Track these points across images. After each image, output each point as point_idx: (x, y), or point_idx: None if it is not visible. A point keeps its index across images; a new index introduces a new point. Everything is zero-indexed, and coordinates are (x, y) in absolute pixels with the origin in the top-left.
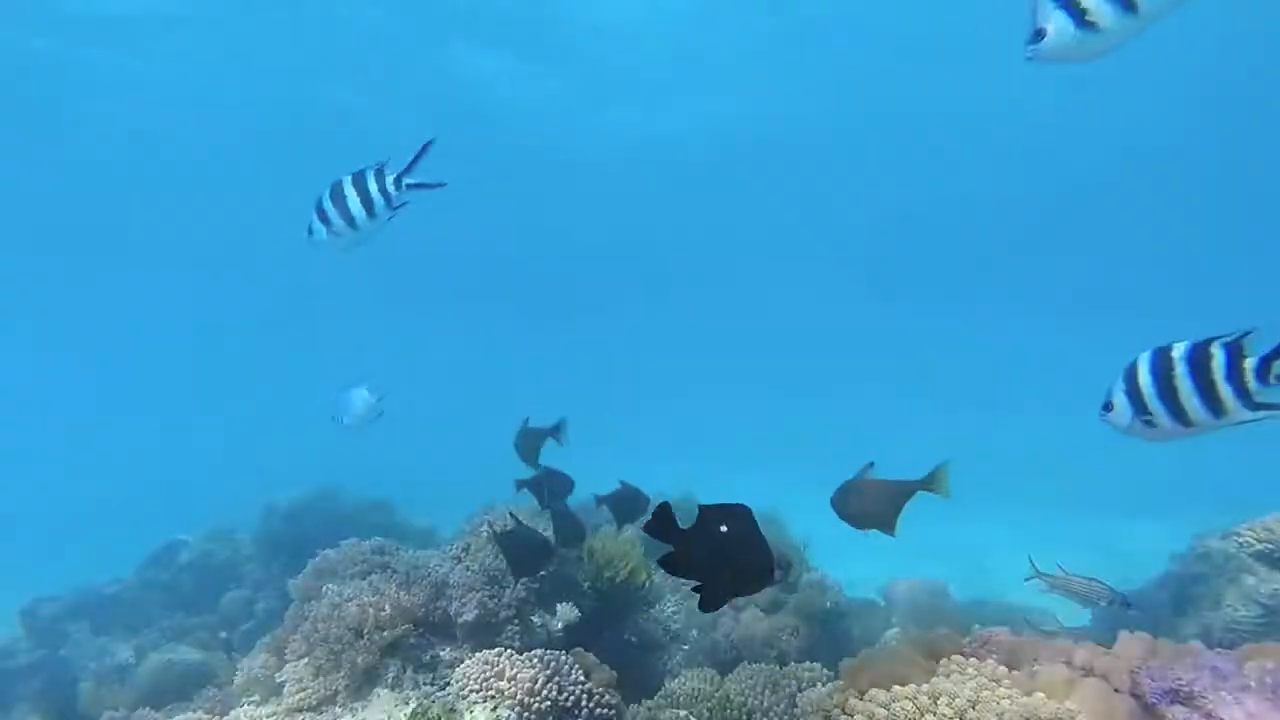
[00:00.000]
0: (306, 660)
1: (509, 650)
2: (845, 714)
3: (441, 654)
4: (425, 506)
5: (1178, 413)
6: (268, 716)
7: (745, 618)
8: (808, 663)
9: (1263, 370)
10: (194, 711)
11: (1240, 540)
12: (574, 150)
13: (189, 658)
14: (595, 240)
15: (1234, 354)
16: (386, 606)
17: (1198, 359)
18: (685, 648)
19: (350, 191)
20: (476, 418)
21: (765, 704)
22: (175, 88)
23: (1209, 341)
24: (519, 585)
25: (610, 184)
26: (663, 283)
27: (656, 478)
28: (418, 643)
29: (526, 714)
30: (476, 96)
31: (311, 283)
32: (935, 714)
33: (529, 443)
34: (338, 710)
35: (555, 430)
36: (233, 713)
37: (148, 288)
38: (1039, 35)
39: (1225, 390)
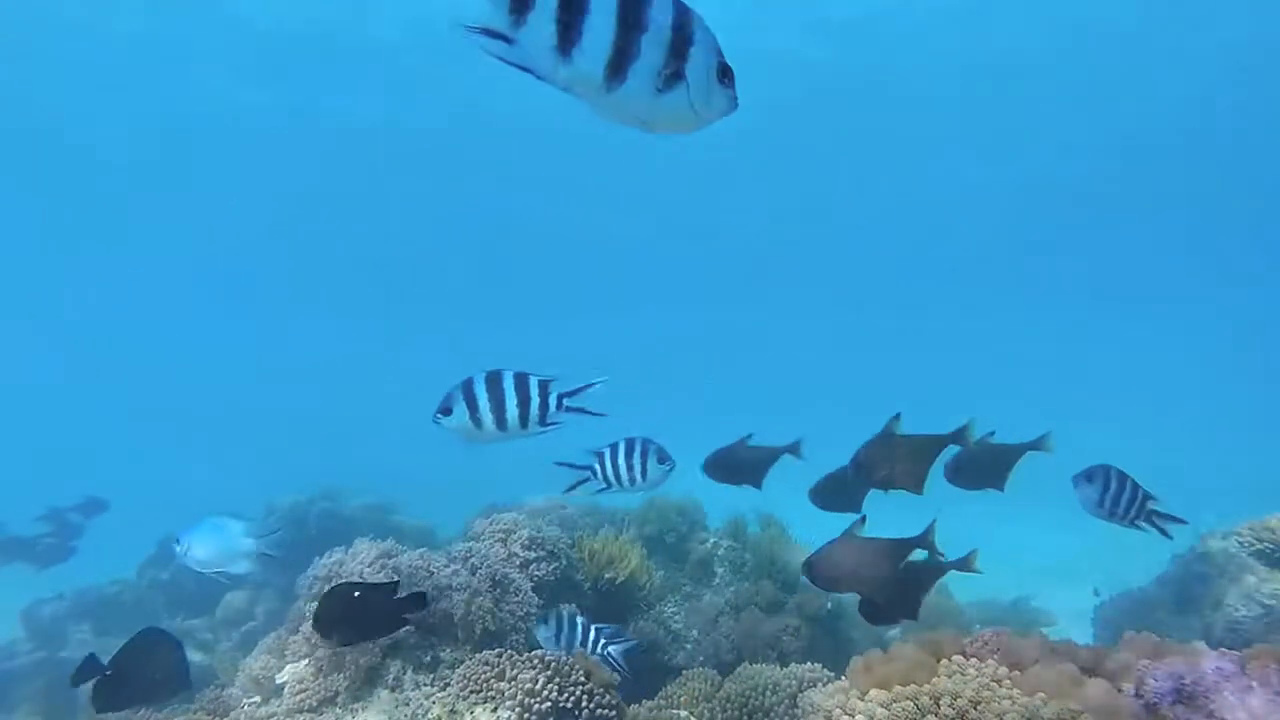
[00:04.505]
0: (307, 660)
1: (509, 651)
2: (846, 714)
3: (442, 655)
4: (425, 506)
5: None
6: (268, 717)
7: (746, 618)
8: (808, 663)
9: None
10: (194, 712)
11: (1241, 540)
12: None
13: (189, 658)
14: (593, 240)
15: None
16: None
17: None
18: (686, 647)
19: None
20: None
21: (766, 704)
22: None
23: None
24: None
25: (613, 177)
26: (664, 283)
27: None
28: (419, 643)
29: (527, 715)
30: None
31: (310, 285)
32: (937, 714)
33: (758, 458)
34: (338, 711)
35: (792, 447)
36: (233, 713)
37: (148, 280)
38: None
39: None
